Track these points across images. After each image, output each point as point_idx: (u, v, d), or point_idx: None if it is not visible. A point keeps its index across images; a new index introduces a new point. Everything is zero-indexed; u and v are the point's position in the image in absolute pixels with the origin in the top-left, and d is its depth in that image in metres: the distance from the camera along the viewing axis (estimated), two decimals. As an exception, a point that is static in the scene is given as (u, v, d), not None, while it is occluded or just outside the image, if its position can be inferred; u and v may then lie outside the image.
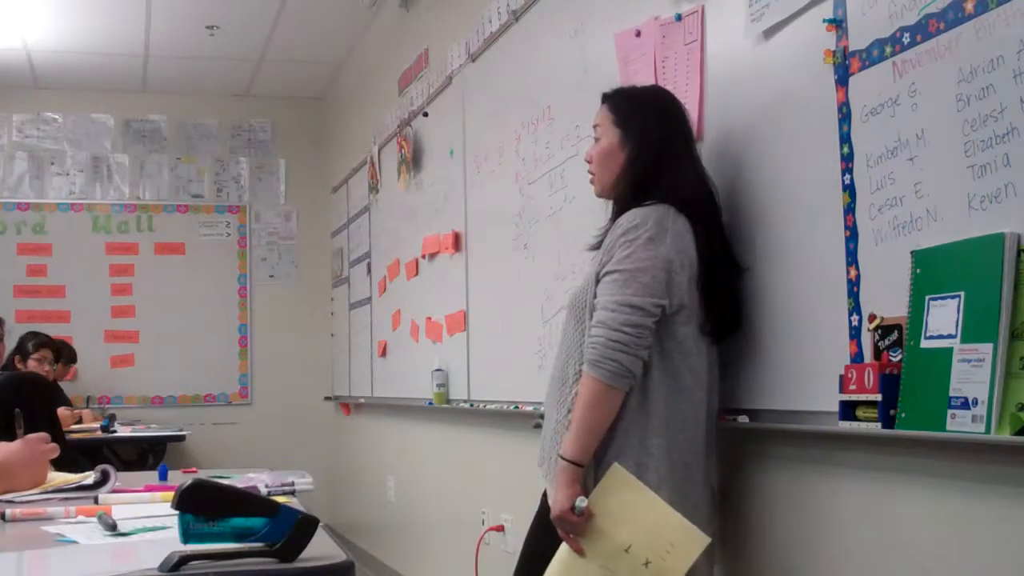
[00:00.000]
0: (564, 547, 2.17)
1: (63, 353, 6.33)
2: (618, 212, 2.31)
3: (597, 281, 2.21)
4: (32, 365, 5.65)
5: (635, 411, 2.15)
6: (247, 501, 1.36)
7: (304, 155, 7.45)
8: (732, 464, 2.38)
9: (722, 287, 2.22)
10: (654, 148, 2.27)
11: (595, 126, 2.38)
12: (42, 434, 2.24)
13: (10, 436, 2.34)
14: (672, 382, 2.16)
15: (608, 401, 2.12)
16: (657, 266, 2.13)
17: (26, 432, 2.31)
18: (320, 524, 1.38)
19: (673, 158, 2.26)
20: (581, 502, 2.10)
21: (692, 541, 2.08)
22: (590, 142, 2.45)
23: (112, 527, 1.64)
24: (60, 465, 2.39)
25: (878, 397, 1.79)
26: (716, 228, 2.25)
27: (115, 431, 5.62)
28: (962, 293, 1.65)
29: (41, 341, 5.84)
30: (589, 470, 2.17)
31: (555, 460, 2.19)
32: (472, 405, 4.04)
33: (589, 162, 2.39)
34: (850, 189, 1.95)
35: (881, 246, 1.88)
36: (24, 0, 5.55)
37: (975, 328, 1.62)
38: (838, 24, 1.99)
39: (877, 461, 1.94)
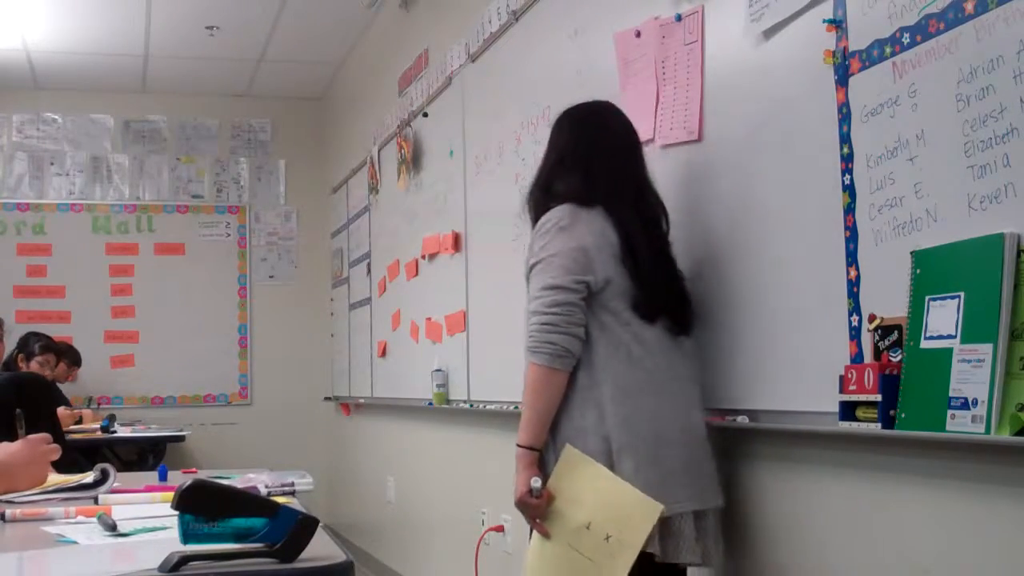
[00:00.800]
0: (535, 532, 2.22)
1: (68, 356, 6.33)
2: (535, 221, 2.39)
3: (528, 280, 2.28)
4: (34, 367, 5.66)
5: (586, 388, 2.20)
6: (247, 501, 1.36)
7: (304, 155, 7.45)
8: (732, 464, 2.38)
9: (645, 270, 2.23)
10: (555, 156, 2.39)
11: None
12: (44, 435, 2.24)
13: (11, 436, 2.34)
14: (619, 351, 2.20)
15: (551, 384, 2.18)
16: (572, 247, 2.21)
17: (27, 432, 2.31)
18: (320, 524, 1.38)
19: (573, 161, 2.34)
20: (535, 482, 2.16)
21: (647, 511, 2.10)
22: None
23: (112, 527, 1.63)
24: (60, 466, 2.39)
25: (878, 397, 1.79)
26: (632, 217, 2.27)
27: (115, 431, 5.62)
28: (962, 293, 1.66)
29: (46, 344, 5.85)
30: (551, 454, 2.22)
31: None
32: (472, 405, 4.04)
33: None
34: (850, 189, 1.95)
35: (881, 246, 1.88)
36: (24, 0, 5.55)
37: (975, 328, 1.62)
38: (838, 24, 1.99)
39: (877, 461, 1.94)
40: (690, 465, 2.21)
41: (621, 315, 2.22)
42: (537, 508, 2.19)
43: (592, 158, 2.33)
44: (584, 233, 2.22)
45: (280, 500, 1.56)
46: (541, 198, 2.37)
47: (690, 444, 2.23)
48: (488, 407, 3.85)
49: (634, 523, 2.10)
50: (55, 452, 2.23)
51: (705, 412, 2.31)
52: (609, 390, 2.18)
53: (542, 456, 2.22)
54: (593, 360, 2.20)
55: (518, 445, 2.21)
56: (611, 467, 2.15)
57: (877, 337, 1.86)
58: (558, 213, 2.26)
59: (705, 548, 2.21)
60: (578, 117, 2.42)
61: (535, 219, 2.37)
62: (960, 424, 1.62)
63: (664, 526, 2.15)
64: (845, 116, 1.97)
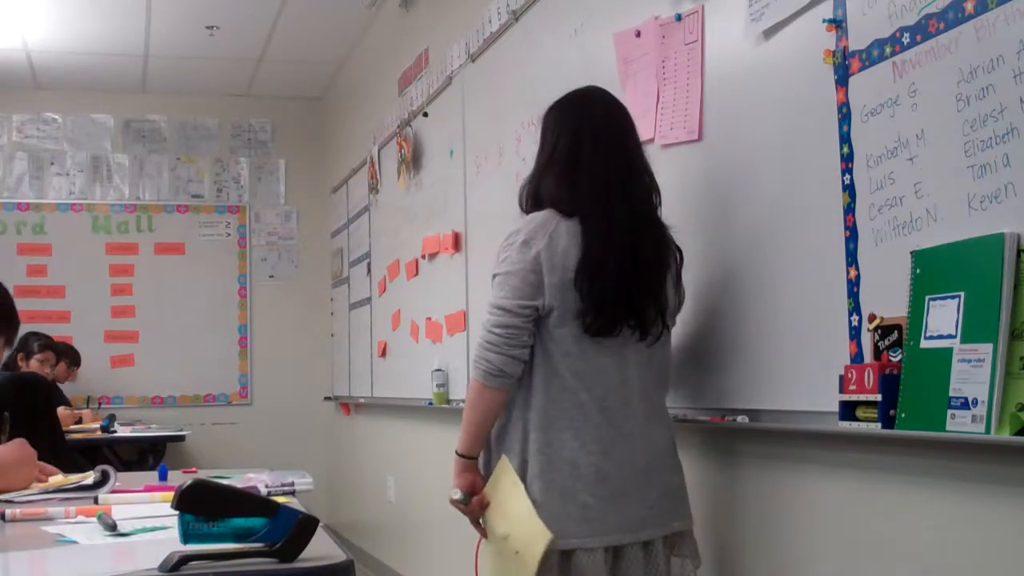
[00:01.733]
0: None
1: (68, 356, 6.33)
2: None
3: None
4: (34, 366, 5.66)
5: (521, 409, 2.22)
6: (247, 501, 1.36)
7: (304, 155, 7.45)
8: (732, 464, 2.39)
9: (597, 294, 2.16)
10: (544, 156, 2.34)
11: None
12: (23, 439, 2.27)
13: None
14: (555, 380, 2.20)
15: (485, 398, 2.21)
16: (527, 268, 2.19)
17: (21, 433, 2.33)
18: (320, 524, 1.38)
19: (558, 165, 2.29)
20: (455, 494, 2.25)
21: (539, 538, 2.13)
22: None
23: (112, 527, 1.64)
24: (60, 465, 2.40)
25: (878, 397, 1.79)
26: (609, 227, 2.19)
27: (115, 431, 5.62)
28: (962, 293, 1.65)
29: (45, 343, 5.84)
30: (484, 464, 2.29)
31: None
32: (472, 405, 4.04)
33: None
34: (850, 189, 1.95)
35: (881, 246, 1.88)
36: (24, 0, 5.55)
37: (975, 328, 1.62)
38: (838, 24, 1.99)
39: (877, 461, 1.94)
40: (613, 499, 2.17)
41: (562, 344, 2.18)
42: (469, 512, 2.27)
43: (575, 161, 2.26)
44: (543, 249, 2.18)
45: (280, 500, 1.56)
46: (530, 199, 2.34)
47: (621, 478, 2.18)
48: (488, 407, 3.85)
49: (531, 546, 2.14)
50: (35, 456, 2.27)
51: (665, 436, 2.27)
52: (536, 416, 2.19)
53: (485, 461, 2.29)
54: (532, 384, 2.21)
55: (455, 451, 2.28)
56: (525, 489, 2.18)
57: (877, 337, 1.86)
58: (529, 225, 2.23)
59: None
60: (563, 112, 2.35)
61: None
62: (960, 424, 1.62)
63: (565, 560, 2.14)
64: (845, 116, 1.97)
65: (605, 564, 2.16)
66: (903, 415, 1.75)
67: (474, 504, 2.25)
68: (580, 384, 2.19)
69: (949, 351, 1.66)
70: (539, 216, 2.25)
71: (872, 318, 1.89)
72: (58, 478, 2.28)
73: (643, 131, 2.63)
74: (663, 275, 2.27)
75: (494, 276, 2.27)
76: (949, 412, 1.64)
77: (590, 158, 2.26)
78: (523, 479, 2.18)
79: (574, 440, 2.17)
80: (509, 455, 2.21)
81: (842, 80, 1.98)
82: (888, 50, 1.86)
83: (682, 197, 2.50)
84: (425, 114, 4.69)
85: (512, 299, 2.19)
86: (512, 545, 2.18)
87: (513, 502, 2.19)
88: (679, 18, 2.51)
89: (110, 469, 2.23)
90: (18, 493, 2.10)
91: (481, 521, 2.27)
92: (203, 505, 1.32)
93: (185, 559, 1.28)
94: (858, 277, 1.94)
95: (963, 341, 1.63)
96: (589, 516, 2.15)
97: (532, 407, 2.20)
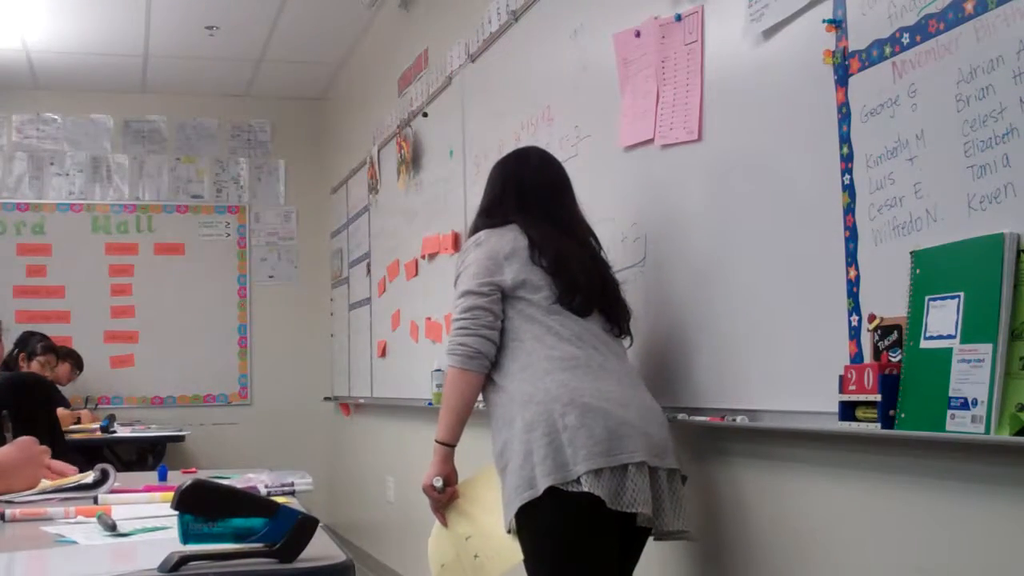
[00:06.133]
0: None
1: (72, 359, 6.32)
2: None
3: None
4: (35, 367, 5.65)
5: (522, 368, 2.32)
6: (247, 501, 1.36)
7: (304, 155, 7.45)
8: (732, 464, 2.39)
9: (560, 268, 2.35)
10: (483, 202, 2.60)
11: None
12: (31, 437, 2.26)
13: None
14: (548, 333, 2.32)
15: (464, 383, 2.35)
16: (481, 258, 2.39)
17: (21, 433, 2.32)
18: (320, 524, 1.38)
19: (494, 206, 2.54)
20: (437, 481, 2.39)
21: (510, 555, 2.27)
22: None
23: (112, 527, 1.63)
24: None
25: (878, 397, 1.79)
26: (545, 230, 2.42)
27: (115, 431, 5.62)
28: (962, 293, 1.66)
29: (48, 346, 5.84)
30: (504, 417, 2.36)
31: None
32: (472, 405, 4.04)
33: None
34: (850, 189, 1.96)
35: (881, 246, 1.88)
36: (24, 0, 5.55)
37: (975, 328, 1.62)
38: (838, 24, 1.99)
39: (877, 461, 1.94)
40: (638, 426, 2.24)
41: (544, 303, 2.34)
42: (437, 501, 2.42)
43: (505, 194, 2.51)
44: (495, 244, 2.40)
45: (280, 500, 1.56)
46: (471, 235, 2.53)
47: (638, 409, 2.28)
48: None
49: (499, 557, 2.28)
50: (46, 453, 2.25)
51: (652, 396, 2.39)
52: (543, 363, 2.29)
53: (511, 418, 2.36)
54: (524, 345, 2.33)
55: (435, 440, 2.39)
56: (556, 426, 2.21)
57: (877, 337, 1.86)
58: (474, 237, 2.46)
59: (658, 503, 2.23)
60: (501, 164, 2.63)
61: None
62: (960, 424, 1.62)
63: (615, 475, 2.17)
64: (845, 116, 1.97)
65: (648, 480, 2.20)
66: (903, 415, 1.75)
67: (447, 494, 2.41)
68: (573, 334, 2.32)
69: (949, 351, 1.66)
70: (479, 233, 2.47)
71: (872, 318, 1.89)
72: (70, 478, 2.26)
73: (643, 131, 2.64)
74: (618, 290, 2.47)
75: (456, 282, 2.42)
76: (949, 412, 1.64)
77: (516, 193, 2.50)
78: (550, 418, 2.21)
79: (589, 377, 2.27)
80: (526, 407, 2.25)
81: (842, 80, 1.98)
82: (888, 50, 1.86)
83: (682, 197, 2.50)
84: (425, 114, 4.69)
85: (473, 281, 2.35)
86: (474, 548, 2.33)
87: (488, 512, 2.32)
88: (679, 18, 2.51)
89: (109, 468, 2.23)
90: (18, 493, 2.10)
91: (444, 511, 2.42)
92: (203, 505, 1.32)
93: (185, 559, 1.28)
94: (858, 277, 1.94)
95: (963, 341, 1.63)
96: (628, 434, 2.22)
97: (536, 361, 2.30)
